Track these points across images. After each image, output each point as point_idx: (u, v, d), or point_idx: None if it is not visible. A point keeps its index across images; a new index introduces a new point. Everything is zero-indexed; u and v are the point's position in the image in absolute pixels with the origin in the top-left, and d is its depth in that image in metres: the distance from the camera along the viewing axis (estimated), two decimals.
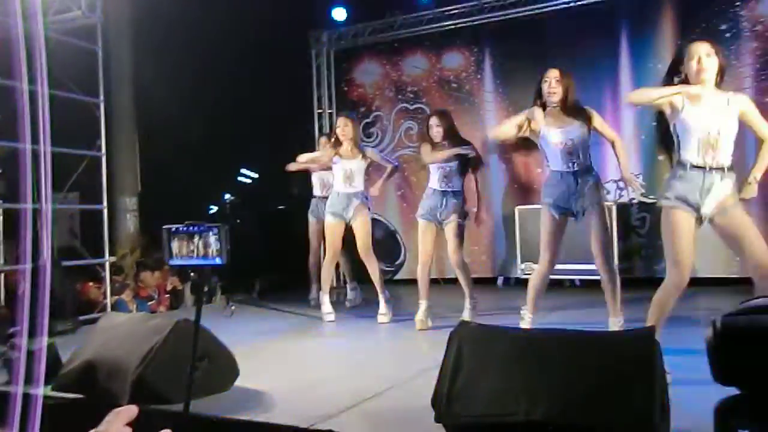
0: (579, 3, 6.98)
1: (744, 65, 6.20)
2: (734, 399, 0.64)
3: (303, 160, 5.93)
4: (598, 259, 3.98)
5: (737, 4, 6.23)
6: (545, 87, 4.04)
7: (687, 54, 3.20)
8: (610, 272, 4.00)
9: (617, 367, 2.18)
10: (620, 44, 6.82)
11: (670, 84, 3.26)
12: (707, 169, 3.12)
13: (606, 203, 4.58)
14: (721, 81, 3.21)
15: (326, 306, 5.53)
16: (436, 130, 5.04)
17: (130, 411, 0.92)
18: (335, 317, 5.51)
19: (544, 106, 4.07)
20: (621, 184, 6.73)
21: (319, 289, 6.21)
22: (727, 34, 6.19)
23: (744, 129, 3.23)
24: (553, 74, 4.04)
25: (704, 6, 6.33)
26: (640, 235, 6.73)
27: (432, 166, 5.07)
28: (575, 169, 3.99)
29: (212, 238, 2.15)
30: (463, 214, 5.04)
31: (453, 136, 5.07)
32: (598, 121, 4.08)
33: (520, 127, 4.10)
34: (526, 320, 4.17)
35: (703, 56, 3.15)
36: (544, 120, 4.03)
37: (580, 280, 6.63)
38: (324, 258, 5.72)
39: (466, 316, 4.96)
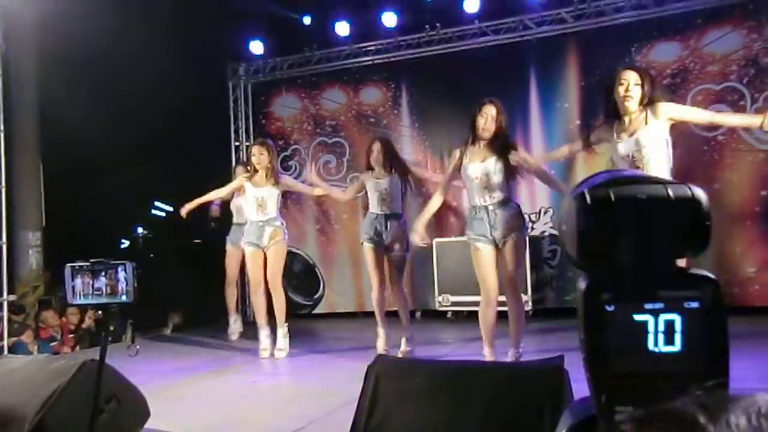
0: (491, 44, 7.29)
1: None
2: (602, 275, 0.66)
3: (206, 199, 5.83)
4: (507, 289, 4.08)
5: (631, 50, 6.69)
6: (480, 122, 4.10)
7: (617, 79, 3.45)
8: (518, 304, 4.11)
9: (529, 397, 2.24)
10: (529, 84, 7.15)
11: (610, 106, 3.53)
12: None
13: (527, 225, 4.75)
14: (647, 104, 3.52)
15: (262, 341, 5.36)
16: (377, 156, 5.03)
17: None
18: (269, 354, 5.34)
19: (474, 139, 4.16)
20: (533, 217, 7.00)
21: (237, 319, 6.12)
22: None
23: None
24: (489, 111, 4.09)
25: (604, 51, 6.76)
26: (551, 267, 6.99)
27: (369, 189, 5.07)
28: (492, 202, 4.08)
29: (119, 275, 2.07)
30: (405, 243, 4.97)
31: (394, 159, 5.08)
32: (519, 155, 4.14)
33: (455, 170, 4.22)
34: (486, 356, 4.14)
35: (632, 84, 3.42)
36: (467, 155, 4.14)
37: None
38: (249, 288, 5.59)
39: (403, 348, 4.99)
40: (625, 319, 0.67)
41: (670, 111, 3.61)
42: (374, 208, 5.06)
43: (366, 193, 5.14)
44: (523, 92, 7.13)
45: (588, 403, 0.71)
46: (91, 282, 2.09)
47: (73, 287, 2.13)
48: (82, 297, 2.12)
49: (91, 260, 2.12)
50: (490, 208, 4.07)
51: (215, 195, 5.82)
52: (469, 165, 4.12)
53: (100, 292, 2.10)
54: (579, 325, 0.70)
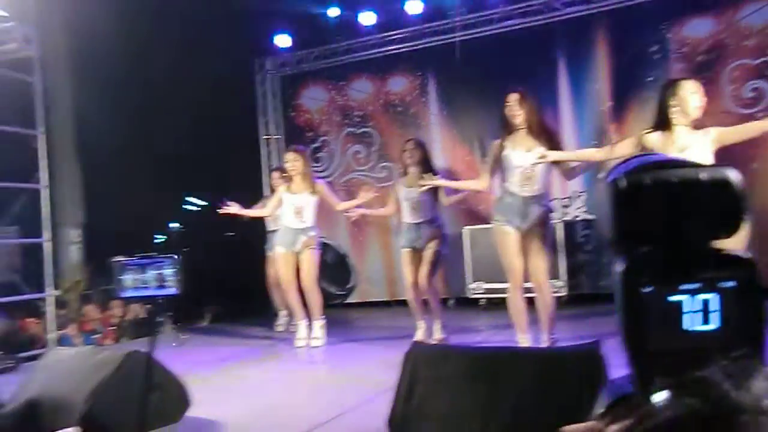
0: (518, 27, 7.21)
1: None
2: (639, 258, 0.68)
3: (249, 214, 5.86)
4: (540, 278, 4.09)
5: (662, 27, 6.54)
6: (507, 111, 4.15)
7: (676, 89, 3.47)
8: (547, 291, 4.13)
9: (564, 383, 2.25)
10: (558, 66, 7.06)
11: (662, 116, 3.51)
12: None
13: (552, 222, 4.74)
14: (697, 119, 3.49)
15: (300, 331, 5.48)
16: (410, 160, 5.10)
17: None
18: (304, 344, 5.42)
19: (509, 129, 4.17)
20: (565, 201, 6.94)
21: (286, 315, 6.23)
22: (657, 56, 6.49)
23: None
24: (512, 98, 4.15)
25: (635, 29, 6.63)
26: (585, 252, 6.91)
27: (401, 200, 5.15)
28: (530, 194, 4.09)
29: (166, 269, 2.13)
30: (441, 240, 5.06)
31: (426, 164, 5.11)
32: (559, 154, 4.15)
33: (496, 161, 4.23)
34: (521, 342, 4.16)
35: (688, 95, 3.42)
36: (509, 142, 4.15)
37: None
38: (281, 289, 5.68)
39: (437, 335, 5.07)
40: (661, 299, 0.68)
41: (721, 129, 3.50)
42: (407, 217, 5.12)
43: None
44: (552, 75, 7.05)
45: (626, 381, 0.73)
46: (139, 275, 2.15)
47: (122, 281, 2.20)
48: (131, 290, 2.19)
49: (138, 254, 2.19)
50: (528, 200, 4.08)
51: (260, 213, 5.88)
52: (512, 152, 4.12)
53: (147, 285, 2.16)
54: (617, 307, 0.72)
